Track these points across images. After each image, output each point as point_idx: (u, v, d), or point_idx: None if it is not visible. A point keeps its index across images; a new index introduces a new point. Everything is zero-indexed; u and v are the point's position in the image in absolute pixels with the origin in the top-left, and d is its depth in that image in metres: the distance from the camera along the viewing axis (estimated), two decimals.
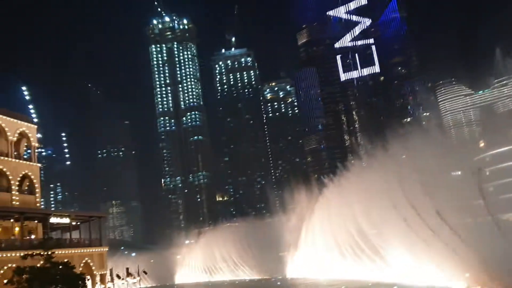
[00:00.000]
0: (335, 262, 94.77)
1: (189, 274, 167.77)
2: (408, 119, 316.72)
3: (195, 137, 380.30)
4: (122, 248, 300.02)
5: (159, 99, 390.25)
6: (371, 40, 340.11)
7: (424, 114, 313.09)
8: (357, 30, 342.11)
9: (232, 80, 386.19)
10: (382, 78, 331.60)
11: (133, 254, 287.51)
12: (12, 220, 55.15)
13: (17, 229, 55.54)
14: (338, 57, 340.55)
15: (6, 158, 56.76)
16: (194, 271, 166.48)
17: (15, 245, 50.30)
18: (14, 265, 45.95)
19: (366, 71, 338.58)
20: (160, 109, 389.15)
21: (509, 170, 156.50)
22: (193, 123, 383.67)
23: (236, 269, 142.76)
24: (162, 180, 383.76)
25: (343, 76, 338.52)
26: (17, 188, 57.60)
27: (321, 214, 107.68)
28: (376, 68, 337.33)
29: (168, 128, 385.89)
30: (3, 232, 54.70)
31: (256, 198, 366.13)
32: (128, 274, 71.54)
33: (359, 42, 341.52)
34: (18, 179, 58.21)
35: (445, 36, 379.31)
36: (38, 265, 45.25)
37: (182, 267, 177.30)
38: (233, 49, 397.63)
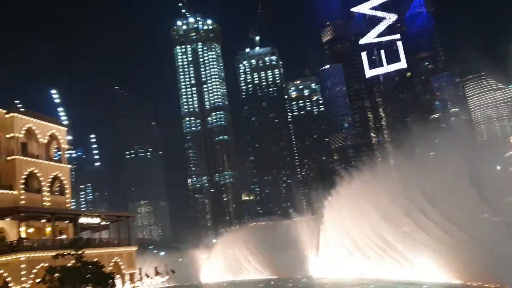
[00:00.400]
0: (356, 261, 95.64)
1: (214, 274, 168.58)
2: (436, 115, 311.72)
3: (220, 137, 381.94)
4: (150, 247, 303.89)
5: (184, 100, 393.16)
6: (397, 36, 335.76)
7: (452, 109, 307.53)
8: (382, 26, 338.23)
9: (256, 79, 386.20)
10: (408, 74, 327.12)
11: (162, 253, 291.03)
12: (43, 221, 56.42)
13: (48, 229, 56.76)
14: (363, 53, 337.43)
15: (37, 160, 58.11)
16: (219, 271, 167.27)
17: (47, 245, 51.42)
18: (46, 265, 47.01)
19: (392, 67, 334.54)
20: (186, 110, 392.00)
21: None
22: (218, 123, 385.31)
23: (261, 269, 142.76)
24: (189, 180, 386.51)
25: (368, 73, 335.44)
26: (48, 189, 58.87)
27: (331, 214, 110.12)
28: (403, 64, 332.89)
29: (193, 128, 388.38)
30: (35, 232, 56.01)
31: (282, 197, 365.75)
32: (157, 273, 72.34)
33: (385, 38, 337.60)
34: (49, 180, 59.48)
35: (473, 29, 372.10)
36: (69, 264, 46.19)
37: (208, 266, 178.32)
38: (257, 48, 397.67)
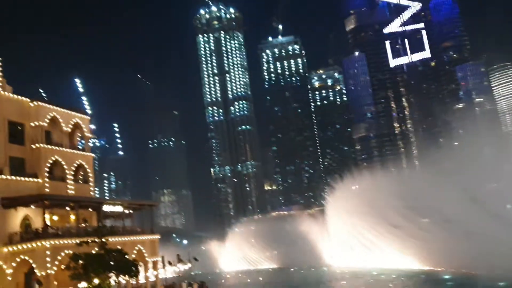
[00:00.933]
0: (359, 252, 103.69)
1: (234, 262, 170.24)
2: (460, 105, 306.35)
3: (243, 126, 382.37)
4: (173, 235, 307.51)
5: (207, 89, 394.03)
6: (421, 25, 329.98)
7: (477, 99, 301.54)
8: (406, 14, 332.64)
9: (279, 68, 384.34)
10: (433, 63, 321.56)
11: (185, 242, 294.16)
12: (67, 209, 57.19)
13: (72, 217, 57.53)
14: (387, 42, 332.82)
15: (61, 149, 58.75)
16: (239, 260, 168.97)
17: (71, 232, 52.10)
18: (70, 252, 47.72)
19: (416, 57, 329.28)
20: (208, 99, 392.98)
21: None
22: (241, 112, 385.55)
23: (281, 258, 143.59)
24: (211, 169, 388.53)
25: (392, 62, 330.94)
26: (72, 177, 59.57)
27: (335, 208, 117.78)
28: (427, 53, 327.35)
29: (216, 118, 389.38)
30: (60, 220, 56.85)
31: (304, 187, 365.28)
32: (179, 260, 72.92)
33: (409, 27, 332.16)
34: (73, 168, 60.15)
35: (499, 18, 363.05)
36: (93, 251, 46.81)
37: (228, 255, 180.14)
38: (280, 37, 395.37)
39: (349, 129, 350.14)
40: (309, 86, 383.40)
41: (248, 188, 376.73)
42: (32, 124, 56.54)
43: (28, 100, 57.25)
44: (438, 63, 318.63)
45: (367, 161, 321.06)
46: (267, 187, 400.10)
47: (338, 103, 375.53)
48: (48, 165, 56.71)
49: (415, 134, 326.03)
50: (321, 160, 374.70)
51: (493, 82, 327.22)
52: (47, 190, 55.07)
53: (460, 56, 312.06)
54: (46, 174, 56.14)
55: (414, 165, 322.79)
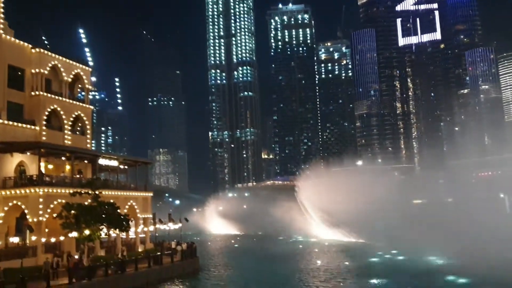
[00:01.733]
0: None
1: (225, 226, 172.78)
2: (465, 91, 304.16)
3: (245, 92, 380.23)
4: (166, 195, 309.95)
5: (212, 51, 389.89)
6: (435, 5, 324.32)
7: (483, 86, 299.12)
8: None
9: (287, 37, 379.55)
10: (442, 45, 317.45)
11: (177, 202, 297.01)
12: (63, 158, 57.10)
13: (67, 167, 57.56)
14: (398, 20, 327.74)
15: (60, 98, 58.27)
16: (227, 224, 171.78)
17: (65, 182, 52.15)
18: (63, 201, 47.89)
19: (426, 37, 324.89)
20: (212, 62, 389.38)
21: None
22: (244, 78, 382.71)
23: (266, 227, 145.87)
24: (210, 133, 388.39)
25: (401, 41, 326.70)
26: (69, 128, 59.28)
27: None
28: (437, 35, 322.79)
29: (219, 81, 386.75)
30: (54, 169, 56.84)
31: (301, 159, 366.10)
32: (170, 219, 73.40)
33: (422, 6, 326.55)
34: (71, 119, 59.80)
35: None
36: (86, 203, 46.96)
37: (219, 219, 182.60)
38: (290, 4, 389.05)
39: (351, 105, 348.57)
40: (315, 58, 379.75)
41: (245, 155, 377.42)
42: (32, 70, 55.87)
43: (30, 46, 56.40)
44: (448, 46, 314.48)
45: (366, 139, 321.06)
46: (264, 156, 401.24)
47: (343, 77, 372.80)
48: (47, 113, 56.36)
49: (416, 115, 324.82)
50: (320, 133, 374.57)
51: (501, 70, 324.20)
52: (44, 138, 54.88)
53: (470, 40, 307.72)
54: (44, 123, 55.86)
55: (412, 146, 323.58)
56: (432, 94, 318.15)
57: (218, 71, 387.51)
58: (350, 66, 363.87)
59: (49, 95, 56.94)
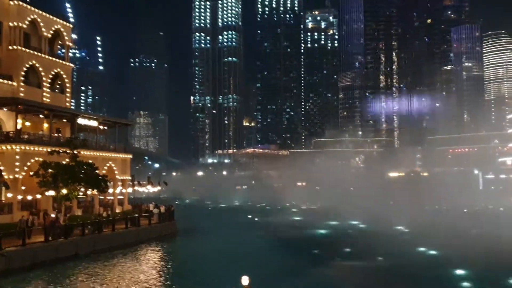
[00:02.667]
0: None
1: (205, 191, 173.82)
2: (449, 67, 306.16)
3: (230, 58, 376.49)
4: (146, 158, 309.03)
5: (197, 14, 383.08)
6: None
7: (466, 64, 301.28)
8: None
9: (274, 2, 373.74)
10: (429, 20, 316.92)
11: (156, 165, 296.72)
12: (41, 116, 56.07)
13: (46, 125, 56.57)
14: None
15: (39, 54, 56.74)
16: (206, 192, 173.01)
17: (43, 140, 51.36)
18: (40, 159, 47.27)
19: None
20: (197, 25, 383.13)
21: None
22: (229, 43, 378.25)
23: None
24: (192, 98, 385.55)
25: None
26: (48, 85, 57.96)
27: None
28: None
29: (203, 45, 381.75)
30: (32, 127, 55.81)
31: (282, 128, 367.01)
32: (149, 182, 73.32)
33: None
34: (50, 76, 58.42)
35: None
36: (64, 162, 46.45)
37: (198, 185, 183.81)
38: None
39: (335, 76, 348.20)
40: (302, 26, 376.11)
41: (226, 122, 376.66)
42: (10, 24, 54.10)
43: None
44: (435, 21, 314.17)
45: (348, 111, 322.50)
46: (246, 123, 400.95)
47: (329, 48, 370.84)
48: (25, 69, 54.96)
49: (398, 90, 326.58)
50: (303, 103, 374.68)
51: (485, 49, 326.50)
52: (21, 94, 53.67)
53: (457, 17, 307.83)
54: (22, 79, 54.51)
55: (393, 120, 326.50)
56: (416, 69, 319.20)
57: (202, 34, 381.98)
58: (336, 37, 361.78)
59: (27, 50, 55.42)
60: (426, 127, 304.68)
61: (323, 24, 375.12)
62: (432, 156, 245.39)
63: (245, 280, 16.60)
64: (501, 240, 50.42)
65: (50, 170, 44.56)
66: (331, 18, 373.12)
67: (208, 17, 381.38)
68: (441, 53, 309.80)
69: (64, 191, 44.93)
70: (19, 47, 54.12)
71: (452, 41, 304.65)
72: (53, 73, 59.12)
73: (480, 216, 79.52)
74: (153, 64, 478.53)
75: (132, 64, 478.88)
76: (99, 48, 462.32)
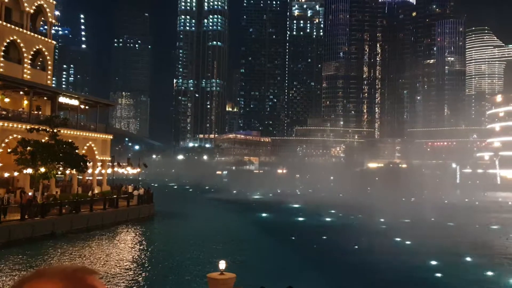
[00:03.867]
0: None
1: (185, 175, 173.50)
2: (431, 61, 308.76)
3: (214, 42, 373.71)
4: (126, 139, 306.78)
5: None
6: None
7: (449, 58, 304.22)
8: None
9: None
10: (414, 13, 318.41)
11: (136, 147, 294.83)
12: (21, 93, 55.24)
13: (25, 102, 55.81)
14: None
15: (21, 30, 55.70)
16: (187, 176, 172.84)
17: (22, 117, 50.70)
18: (19, 136, 46.69)
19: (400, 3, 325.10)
20: (183, 7, 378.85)
21: None
22: (214, 27, 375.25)
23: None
24: (175, 80, 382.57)
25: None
26: (29, 62, 57.08)
27: None
28: (411, 1, 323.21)
29: (188, 28, 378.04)
30: (11, 103, 54.98)
31: (265, 115, 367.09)
32: (129, 164, 72.99)
33: None
34: (32, 53, 57.46)
35: None
36: (43, 140, 45.97)
37: (179, 169, 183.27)
38: None
39: (319, 65, 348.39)
40: (288, 13, 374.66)
41: (208, 106, 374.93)
42: None
43: None
44: (419, 14, 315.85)
45: (330, 100, 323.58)
46: (228, 108, 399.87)
47: (314, 36, 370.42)
48: (5, 44, 53.95)
49: (381, 81, 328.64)
50: (286, 91, 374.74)
51: (467, 44, 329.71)
52: (1, 70, 52.74)
53: (442, 11, 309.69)
54: (2, 54, 53.51)
55: (374, 111, 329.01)
56: (399, 61, 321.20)
57: (188, 17, 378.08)
58: (322, 26, 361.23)
59: (8, 25, 54.35)
60: (407, 120, 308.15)
61: (309, 12, 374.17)
62: (411, 148, 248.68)
63: (222, 264, 16.80)
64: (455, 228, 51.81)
65: (28, 148, 44.09)
66: (317, 6, 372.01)
67: (194, 0, 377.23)
68: (425, 46, 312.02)
69: (43, 169, 44.56)
70: (0, 22, 53.07)
71: (435, 35, 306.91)
72: (34, 49, 58.18)
73: (453, 209, 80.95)
74: (137, 45, 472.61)
75: (115, 44, 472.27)
76: (82, 27, 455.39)
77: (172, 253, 37.85)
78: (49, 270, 1.47)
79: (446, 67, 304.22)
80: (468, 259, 36.55)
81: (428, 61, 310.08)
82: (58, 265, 1.49)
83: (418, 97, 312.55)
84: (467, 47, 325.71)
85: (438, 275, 31.46)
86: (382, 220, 60.86)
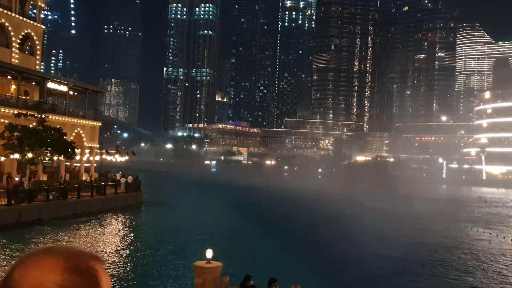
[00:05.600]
0: None
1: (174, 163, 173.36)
2: (422, 56, 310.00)
3: (205, 31, 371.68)
4: (115, 127, 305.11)
5: None
6: None
7: (439, 54, 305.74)
8: None
9: None
10: (406, 8, 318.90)
11: (125, 135, 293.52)
12: (9, 77, 54.62)
13: (13, 87, 55.20)
14: None
15: (9, 13, 54.93)
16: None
17: (10, 102, 50.14)
18: (6, 121, 46.24)
19: None
20: None
21: (503, 125, 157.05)
22: (206, 16, 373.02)
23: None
24: (165, 69, 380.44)
25: None
26: (17, 46, 56.41)
27: None
28: None
29: (179, 16, 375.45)
30: None
31: (255, 105, 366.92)
32: (117, 151, 72.67)
33: None
34: (20, 37, 56.74)
35: None
36: (31, 126, 45.59)
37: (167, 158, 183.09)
38: None
39: (310, 57, 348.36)
40: (280, 4, 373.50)
41: (198, 95, 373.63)
42: None
43: None
44: (411, 9, 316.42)
45: (320, 93, 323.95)
46: (218, 98, 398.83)
47: (306, 28, 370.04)
48: None
49: (371, 75, 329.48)
50: (277, 82, 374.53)
51: (458, 40, 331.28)
52: None
53: (434, 6, 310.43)
54: None
55: (364, 105, 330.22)
56: (389, 55, 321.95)
57: (179, 5, 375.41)
58: (314, 17, 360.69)
59: None
60: (395, 114, 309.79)
61: (301, 4, 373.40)
62: (399, 142, 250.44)
63: (209, 253, 16.92)
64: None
65: (16, 133, 43.70)
66: None
67: None
68: (415, 41, 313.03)
69: (30, 155, 44.25)
70: None
71: (427, 30, 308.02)
72: (23, 33, 57.48)
73: (433, 203, 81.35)
74: (127, 32, 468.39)
75: (106, 31, 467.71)
76: (72, 12, 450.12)
77: (159, 241, 37.94)
78: (55, 248, 1.52)
79: (436, 62, 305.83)
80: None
81: (419, 56, 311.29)
82: (65, 245, 1.63)
83: (408, 92, 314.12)
84: (457, 43, 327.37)
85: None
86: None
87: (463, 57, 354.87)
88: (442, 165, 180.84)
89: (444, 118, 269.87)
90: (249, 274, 16.44)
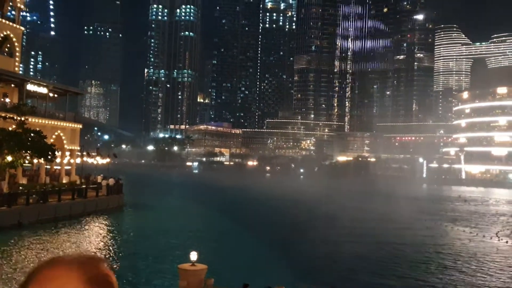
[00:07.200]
0: None
1: (158, 166, 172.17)
2: (401, 57, 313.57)
3: (186, 32, 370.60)
4: (95, 129, 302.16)
5: None
6: None
7: (418, 54, 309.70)
8: None
9: None
10: (385, 9, 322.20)
11: (106, 137, 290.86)
12: None
13: None
14: None
15: None
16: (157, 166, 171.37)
17: None
18: None
19: None
20: None
21: (481, 124, 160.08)
22: (187, 17, 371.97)
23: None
24: (146, 70, 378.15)
25: None
26: None
27: None
28: None
29: (160, 17, 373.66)
30: None
31: (237, 107, 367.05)
32: (98, 153, 72.12)
33: None
34: None
35: None
36: (10, 128, 45.01)
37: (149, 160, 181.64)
38: None
39: (291, 58, 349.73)
40: (261, 6, 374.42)
41: (180, 97, 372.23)
42: None
43: None
44: (390, 10, 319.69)
45: (301, 94, 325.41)
46: (199, 100, 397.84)
47: (286, 29, 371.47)
48: None
49: (352, 76, 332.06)
50: (258, 83, 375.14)
51: (436, 41, 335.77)
52: None
53: (412, 7, 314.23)
54: None
55: (345, 105, 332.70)
56: (369, 56, 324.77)
57: (160, 6, 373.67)
58: (294, 19, 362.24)
59: None
60: (376, 114, 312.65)
61: (282, 5, 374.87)
62: (380, 142, 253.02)
63: (193, 256, 16.98)
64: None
65: None
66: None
67: None
68: (395, 42, 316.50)
69: (9, 158, 43.69)
70: None
71: (406, 31, 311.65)
72: (2, 35, 56.68)
73: (410, 201, 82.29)
74: (107, 33, 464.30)
75: (86, 32, 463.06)
76: (51, 13, 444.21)
77: (142, 244, 37.78)
78: (65, 258, 1.44)
79: (415, 63, 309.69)
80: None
81: (398, 57, 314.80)
82: (73, 252, 1.49)
83: (388, 92, 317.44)
84: (436, 44, 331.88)
85: None
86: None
87: (442, 58, 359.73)
88: (422, 165, 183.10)
89: (424, 118, 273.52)
90: (247, 283, 16.50)
